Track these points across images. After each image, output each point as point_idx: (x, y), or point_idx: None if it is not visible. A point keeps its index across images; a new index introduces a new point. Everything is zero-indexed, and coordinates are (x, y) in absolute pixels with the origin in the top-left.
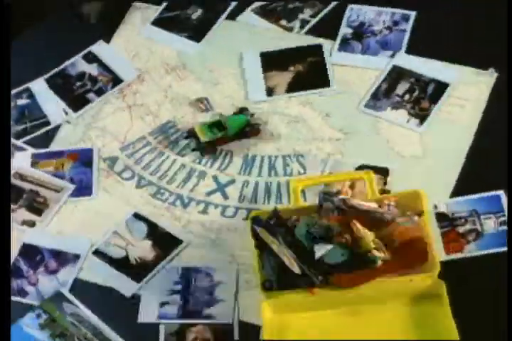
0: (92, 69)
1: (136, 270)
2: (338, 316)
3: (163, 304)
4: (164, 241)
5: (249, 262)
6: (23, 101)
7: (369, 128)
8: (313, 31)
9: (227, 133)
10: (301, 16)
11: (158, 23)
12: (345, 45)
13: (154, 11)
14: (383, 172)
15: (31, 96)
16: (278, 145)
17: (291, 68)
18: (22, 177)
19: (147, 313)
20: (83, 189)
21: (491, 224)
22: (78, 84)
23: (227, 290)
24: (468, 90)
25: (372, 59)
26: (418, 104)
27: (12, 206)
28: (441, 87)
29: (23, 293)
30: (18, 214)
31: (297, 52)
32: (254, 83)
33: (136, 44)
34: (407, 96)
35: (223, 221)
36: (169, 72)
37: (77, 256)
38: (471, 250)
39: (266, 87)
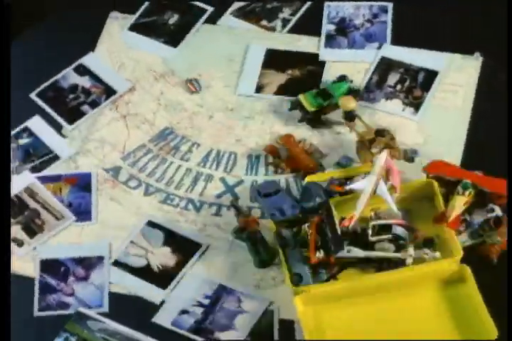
0: (85, 82)
1: (161, 277)
2: (369, 304)
3: (183, 312)
4: (183, 246)
5: None
6: (25, 141)
7: (367, 121)
8: (295, 29)
9: (332, 101)
10: (281, 15)
11: (135, 28)
12: (331, 41)
13: (132, 21)
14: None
15: (31, 134)
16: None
17: (289, 71)
18: (32, 193)
19: (164, 315)
20: (83, 214)
21: (478, 212)
22: (71, 96)
23: (247, 321)
24: (457, 76)
25: (359, 52)
26: (411, 93)
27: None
28: (430, 75)
29: (64, 305)
30: (12, 229)
31: (300, 58)
32: (248, 76)
33: (120, 55)
34: (398, 87)
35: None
36: (158, 79)
37: (101, 258)
38: (465, 240)
39: (257, 83)
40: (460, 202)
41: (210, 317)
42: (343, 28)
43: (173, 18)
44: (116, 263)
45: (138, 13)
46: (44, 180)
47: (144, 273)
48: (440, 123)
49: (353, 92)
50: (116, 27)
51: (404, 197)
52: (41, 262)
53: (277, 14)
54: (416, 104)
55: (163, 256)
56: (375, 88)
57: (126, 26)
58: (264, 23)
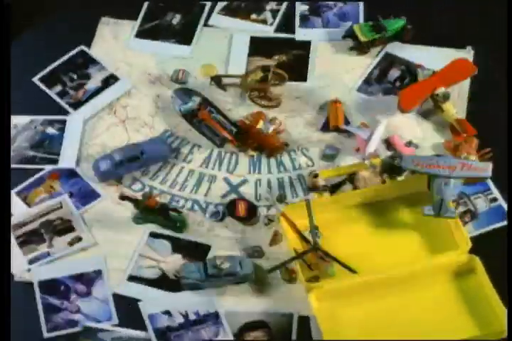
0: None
1: (179, 284)
2: (383, 298)
3: (166, 312)
4: (193, 250)
5: (281, 257)
6: (52, 131)
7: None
8: (286, 19)
9: (384, 36)
10: (268, 7)
11: (142, 34)
12: (305, 22)
13: (123, 26)
14: None
15: (62, 129)
16: None
17: (276, 57)
18: (23, 224)
19: (150, 305)
20: (88, 195)
21: (482, 203)
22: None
23: None
24: None
25: (334, 31)
26: None
27: (47, 243)
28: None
29: (73, 323)
30: (58, 242)
31: (285, 43)
32: (235, 64)
33: (114, 58)
34: (398, 83)
35: None
36: (154, 82)
37: (98, 272)
38: (470, 230)
39: (246, 71)
40: (451, 108)
41: (182, 331)
42: (317, 8)
43: (176, 19)
44: (132, 278)
45: (139, 19)
46: (31, 186)
47: (161, 283)
48: (437, 118)
49: (406, 30)
50: (108, 32)
51: (401, 196)
52: (39, 283)
53: (264, 6)
54: None
55: (176, 264)
56: (375, 82)
57: (120, 32)
58: (254, 16)
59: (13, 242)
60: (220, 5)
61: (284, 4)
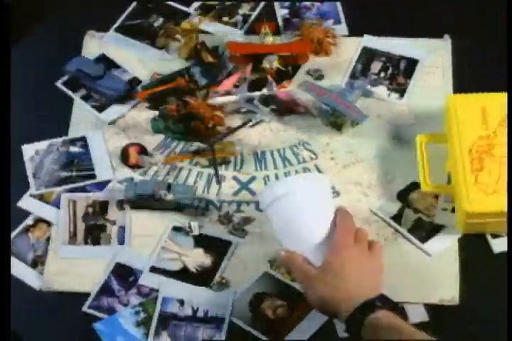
0: None
1: (201, 277)
2: None
3: (182, 302)
4: (214, 246)
5: None
6: (76, 149)
7: (359, 107)
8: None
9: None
10: (241, 11)
11: (121, 29)
12: (287, 25)
13: (118, 22)
14: None
15: (85, 146)
16: (281, 139)
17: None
18: (74, 234)
19: (171, 289)
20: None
21: None
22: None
23: None
24: (433, 58)
25: None
26: (395, 80)
27: (109, 225)
28: (411, 63)
29: (112, 311)
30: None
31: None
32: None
33: None
34: (382, 74)
35: (261, 215)
36: None
37: None
38: None
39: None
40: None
41: (182, 323)
42: (296, 10)
43: (158, 21)
44: (154, 269)
45: (124, 15)
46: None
47: (184, 275)
48: (427, 104)
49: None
50: (96, 46)
51: None
52: (116, 264)
53: (237, 10)
54: (400, 90)
55: (198, 258)
56: (361, 75)
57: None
58: (225, 19)
59: (85, 248)
60: (195, 5)
61: (258, 9)
